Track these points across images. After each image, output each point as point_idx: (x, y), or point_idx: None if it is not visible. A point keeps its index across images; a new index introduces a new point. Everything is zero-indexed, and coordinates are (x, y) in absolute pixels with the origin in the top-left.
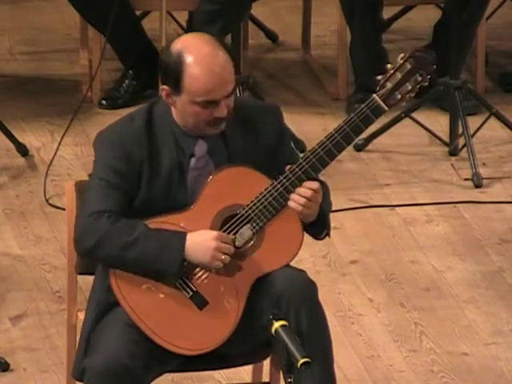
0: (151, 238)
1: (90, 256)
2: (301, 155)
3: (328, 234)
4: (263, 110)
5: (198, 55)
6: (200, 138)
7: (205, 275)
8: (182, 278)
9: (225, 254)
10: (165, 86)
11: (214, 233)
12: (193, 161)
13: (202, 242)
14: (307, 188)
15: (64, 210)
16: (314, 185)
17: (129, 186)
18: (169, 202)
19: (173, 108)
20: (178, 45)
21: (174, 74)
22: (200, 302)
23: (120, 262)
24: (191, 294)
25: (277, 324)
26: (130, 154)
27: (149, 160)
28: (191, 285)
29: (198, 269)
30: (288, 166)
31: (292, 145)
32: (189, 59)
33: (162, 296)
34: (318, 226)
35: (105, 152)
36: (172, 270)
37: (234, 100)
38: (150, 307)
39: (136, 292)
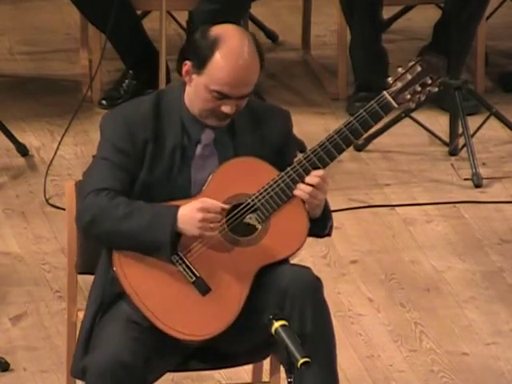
0: (145, 210)
1: (89, 231)
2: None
3: (329, 234)
4: (274, 112)
5: (232, 48)
6: (207, 126)
7: (208, 261)
8: (185, 263)
9: (214, 222)
10: (188, 62)
11: (198, 203)
12: (199, 148)
13: (188, 213)
14: (313, 176)
15: (64, 209)
16: (320, 172)
17: (132, 167)
18: (170, 186)
19: (187, 88)
20: (218, 30)
21: (202, 54)
22: (202, 288)
23: (116, 234)
24: (194, 279)
25: (277, 324)
26: (135, 134)
27: (153, 141)
28: (194, 270)
29: (199, 252)
30: (296, 158)
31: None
32: (222, 47)
33: (165, 281)
34: (321, 223)
35: (110, 132)
36: (164, 239)
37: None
38: (152, 291)
39: (139, 276)
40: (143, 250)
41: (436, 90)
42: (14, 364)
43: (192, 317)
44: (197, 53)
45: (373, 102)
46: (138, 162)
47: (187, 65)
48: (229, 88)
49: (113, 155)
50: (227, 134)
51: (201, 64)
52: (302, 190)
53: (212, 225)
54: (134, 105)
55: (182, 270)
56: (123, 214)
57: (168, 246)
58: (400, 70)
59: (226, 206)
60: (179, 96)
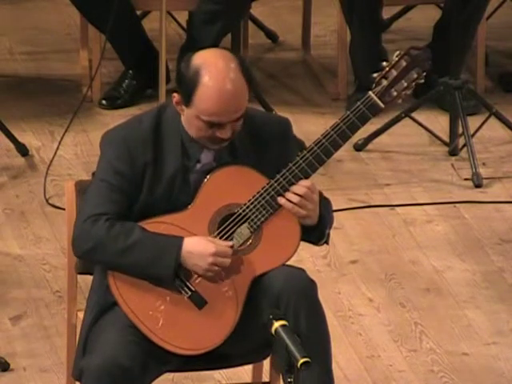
0: (146, 244)
1: (86, 259)
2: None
3: (327, 242)
4: (273, 123)
5: (214, 77)
6: (206, 147)
7: None
8: (181, 278)
9: (222, 266)
10: (176, 94)
11: (213, 248)
12: (198, 166)
13: (198, 254)
14: (300, 186)
15: (64, 209)
16: (307, 182)
17: (130, 188)
18: (171, 204)
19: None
20: (198, 60)
21: (187, 87)
22: (199, 301)
23: (116, 266)
24: (190, 293)
25: (277, 324)
26: (135, 155)
27: (153, 163)
28: (190, 285)
29: None
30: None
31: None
32: (205, 78)
33: (160, 296)
34: (316, 232)
35: (109, 152)
36: (167, 274)
37: (242, 123)
38: (148, 307)
39: (134, 292)
40: (145, 279)
41: (422, 81)
42: (14, 364)
43: (189, 331)
44: (182, 86)
45: (359, 103)
46: (137, 183)
47: (176, 97)
48: (218, 117)
49: (111, 177)
50: (228, 153)
51: (187, 96)
52: (288, 200)
53: (218, 268)
54: (135, 124)
55: (177, 285)
56: (124, 247)
57: (171, 279)
58: (385, 64)
59: (231, 243)
60: (178, 116)
